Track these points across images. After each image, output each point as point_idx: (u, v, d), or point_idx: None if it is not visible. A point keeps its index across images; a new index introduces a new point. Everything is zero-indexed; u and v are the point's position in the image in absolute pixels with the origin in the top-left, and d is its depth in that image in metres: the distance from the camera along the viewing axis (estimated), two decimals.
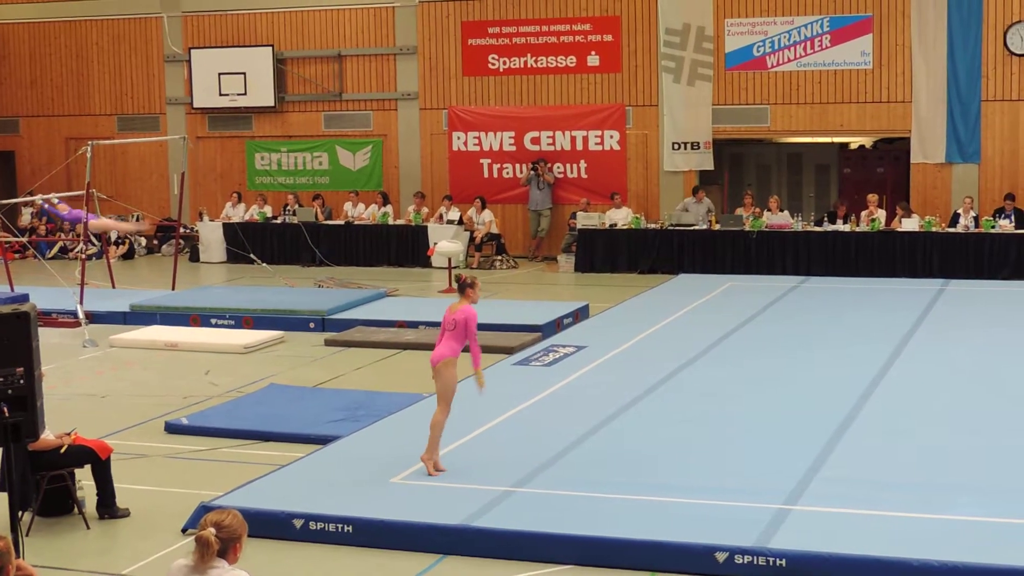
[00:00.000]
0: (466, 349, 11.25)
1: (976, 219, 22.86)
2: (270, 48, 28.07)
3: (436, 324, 17.68)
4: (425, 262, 24.69)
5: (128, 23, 29.37)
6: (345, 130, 28.12)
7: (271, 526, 9.84)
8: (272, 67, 28.02)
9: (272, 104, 28.22)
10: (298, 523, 9.90)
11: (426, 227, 25.44)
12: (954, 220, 23.10)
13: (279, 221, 26.68)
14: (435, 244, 23.27)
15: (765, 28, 25.33)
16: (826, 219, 23.96)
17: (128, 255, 27.65)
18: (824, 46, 25.04)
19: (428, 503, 10.18)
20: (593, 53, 26.44)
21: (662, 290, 21.36)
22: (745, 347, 16.39)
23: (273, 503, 10.14)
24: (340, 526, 9.83)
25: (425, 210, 26.10)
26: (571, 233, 24.98)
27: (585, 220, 24.69)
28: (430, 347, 16.63)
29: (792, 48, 25.22)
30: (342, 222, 26.36)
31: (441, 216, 25.86)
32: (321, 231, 26.14)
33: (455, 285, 11.38)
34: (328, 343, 17.45)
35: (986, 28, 24.15)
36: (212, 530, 6.48)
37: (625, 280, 22.84)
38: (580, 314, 18.81)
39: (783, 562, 8.90)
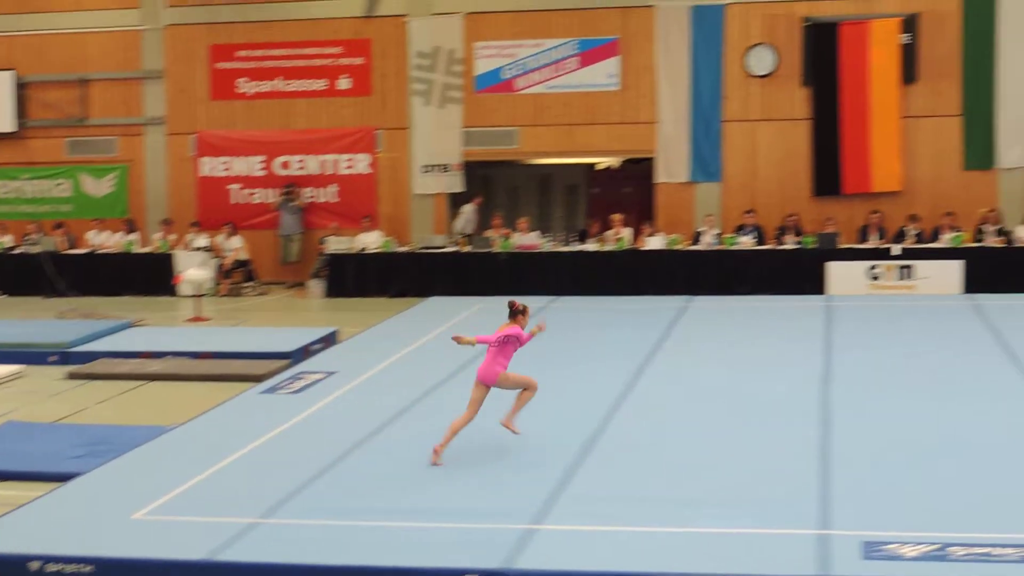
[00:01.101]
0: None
1: (719, 236, 23.45)
2: (11, 72, 27.27)
3: (183, 354, 17.57)
4: (172, 291, 24.21)
5: None
6: (89, 156, 27.45)
7: (5, 569, 9.45)
8: (13, 92, 27.22)
9: (13, 130, 27.39)
10: (34, 565, 9.51)
11: (173, 255, 24.96)
12: (697, 237, 23.64)
13: (19, 251, 25.88)
14: (182, 272, 22.88)
15: (514, 51, 25.62)
16: (577, 238, 24.31)
17: None
18: (572, 68, 25.40)
19: (171, 538, 9.91)
20: (344, 76, 26.37)
21: (412, 313, 21.36)
22: None
23: (7, 545, 9.74)
24: (79, 566, 9.49)
25: (173, 237, 25.63)
26: (321, 258, 24.81)
27: (335, 244, 24.56)
28: (177, 378, 16.52)
29: (541, 70, 25.52)
30: (86, 251, 25.72)
31: (189, 243, 25.42)
32: (64, 261, 25.43)
33: (508, 310, 11.99)
34: (71, 376, 16.94)
35: (727, 50, 24.84)
36: None
37: (376, 304, 22.77)
38: (329, 340, 18.68)
39: None
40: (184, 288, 23.16)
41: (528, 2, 25.59)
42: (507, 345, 11.73)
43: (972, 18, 24.14)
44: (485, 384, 11.80)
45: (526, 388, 11.97)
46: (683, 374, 15.81)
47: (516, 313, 11.90)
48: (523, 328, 11.91)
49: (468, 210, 25.59)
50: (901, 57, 24.32)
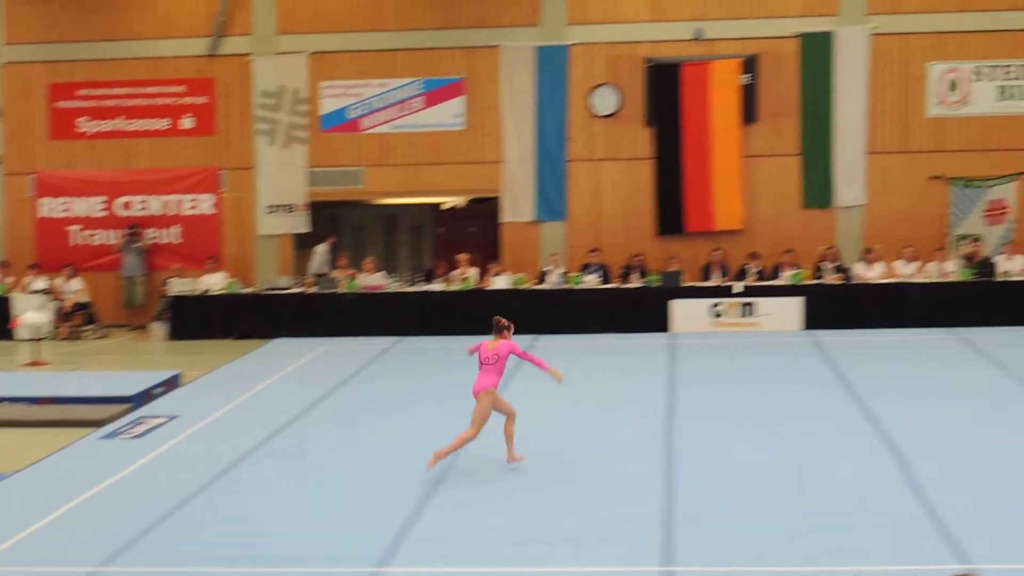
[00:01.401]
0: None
1: (564, 275, 23.58)
2: None
3: (20, 399, 17.12)
4: (9, 335, 23.66)
5: None
6: None
7: None
8: None
9: None
10: None
11: (10, 298, 24.39)
12: (543, 277, 23.74)
13: None
14: (19, 315, 22.40)
15: (359, 91, 25.57)
16: (423, 278, 24.27)
17: None
18: (417, 108, 25.42)
19: None
20: (187, 116, 26.09)
21: (257, 355, 21.14)
22: (340, 409, 16.37)
23: None
24: None
25: (10, 280, 25.08)
26: (163, 300, 24.44)
27: (178, 286, 24.21)
28: (14, 424, 16.13)
29: (386, 110, 25.51)
30: None
31: (27, 286, 24.89)
32: None
33: (493, 327, 12.83)
34: None
35: (571, 90, 25.06)
36: None
37: (220, 346, 22.48)
38: (172, 383, 18.36)
39: None
40: (21, 332, 22.66)
41: (373, 42, 25.58)
42: (497, 362, 12.52)
43: (809, 60, 24.68)
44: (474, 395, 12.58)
45: (471, 428, 12.53)
46: (529, 412, 15.73)
47: (502, 329, 12.68)
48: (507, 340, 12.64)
49: (322, 250, 25.46)
50: (741, 97, 24.75)
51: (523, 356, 12.69)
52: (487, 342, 12.77)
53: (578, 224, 25.24)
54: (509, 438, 12.86)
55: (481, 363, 12.70)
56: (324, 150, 25.74)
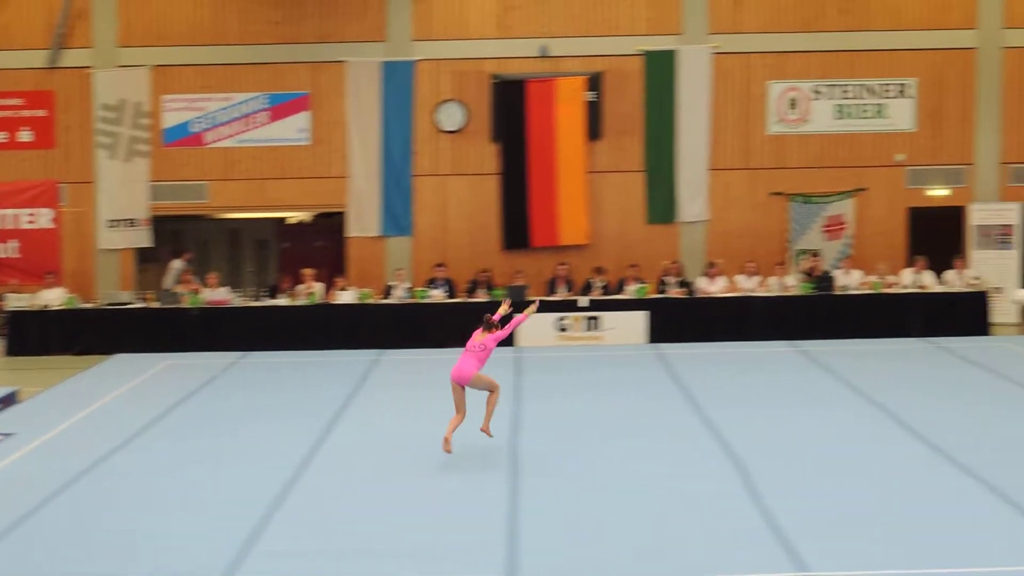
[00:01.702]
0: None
1: (410, 290, 23.54)
2: None
3: None
4: None
5: None
6: None
7: None
8: None
9: None
10: None
11: None
12: (389, 291, 23.68)
13: None
14: None
15: (203, 104, 25.29)
16: (268, 293, 24.06)
17: None
18: (262, 122, 25.23)
19: None
20: (25, 128, 25.56)
21: (97, 371, 20.76)
22: (182, 425, 16.16)
23: None
24: None
25: None
26: (0, 315, 23.90)
27: (15, 301, 23.69)
28: None
29: (230, 124, 25.27)
30: None
31: None
32: None
33: (483, 324, 13.84)
34: None
35: (417, 106, 25.05)
36: None
37: (59, 362, 22.03)
38: (9, 400, 17.94)
39: None
40: None
41: (217, 56, 25.31)
42: (483, 352, 13.58)
43: (653, 77, 24.97)
44: (460, 385, 13.56)
45: (491, 391, 13.73)
46: (374, 427, 15.80)
47: (491, 326, 13.73)
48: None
49: (177, 266, 25.10)
50: (586, 114, 24.95)
51: (508, 332, 13.81)
52: (477, 332, 13.76)
53: (424, 239, 25.24)
54: (452, 428, 13.61)
55: (467, 349, 13.64)
56: (167, 164, 25.40)
